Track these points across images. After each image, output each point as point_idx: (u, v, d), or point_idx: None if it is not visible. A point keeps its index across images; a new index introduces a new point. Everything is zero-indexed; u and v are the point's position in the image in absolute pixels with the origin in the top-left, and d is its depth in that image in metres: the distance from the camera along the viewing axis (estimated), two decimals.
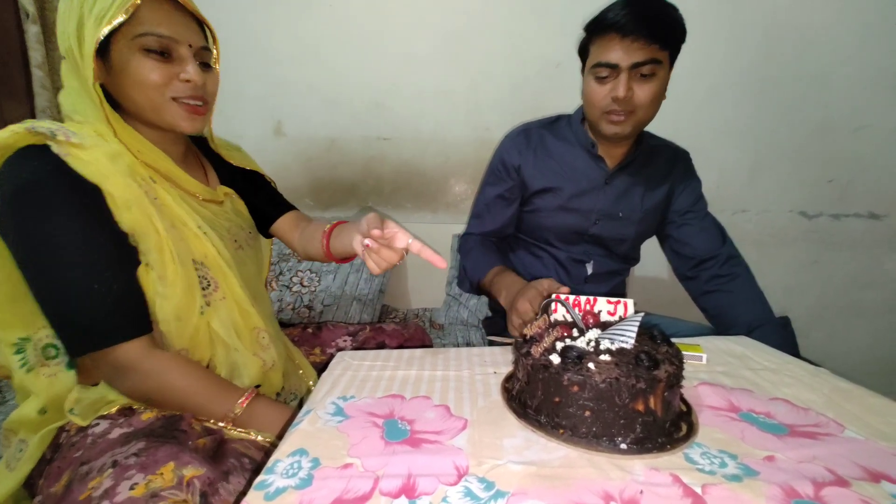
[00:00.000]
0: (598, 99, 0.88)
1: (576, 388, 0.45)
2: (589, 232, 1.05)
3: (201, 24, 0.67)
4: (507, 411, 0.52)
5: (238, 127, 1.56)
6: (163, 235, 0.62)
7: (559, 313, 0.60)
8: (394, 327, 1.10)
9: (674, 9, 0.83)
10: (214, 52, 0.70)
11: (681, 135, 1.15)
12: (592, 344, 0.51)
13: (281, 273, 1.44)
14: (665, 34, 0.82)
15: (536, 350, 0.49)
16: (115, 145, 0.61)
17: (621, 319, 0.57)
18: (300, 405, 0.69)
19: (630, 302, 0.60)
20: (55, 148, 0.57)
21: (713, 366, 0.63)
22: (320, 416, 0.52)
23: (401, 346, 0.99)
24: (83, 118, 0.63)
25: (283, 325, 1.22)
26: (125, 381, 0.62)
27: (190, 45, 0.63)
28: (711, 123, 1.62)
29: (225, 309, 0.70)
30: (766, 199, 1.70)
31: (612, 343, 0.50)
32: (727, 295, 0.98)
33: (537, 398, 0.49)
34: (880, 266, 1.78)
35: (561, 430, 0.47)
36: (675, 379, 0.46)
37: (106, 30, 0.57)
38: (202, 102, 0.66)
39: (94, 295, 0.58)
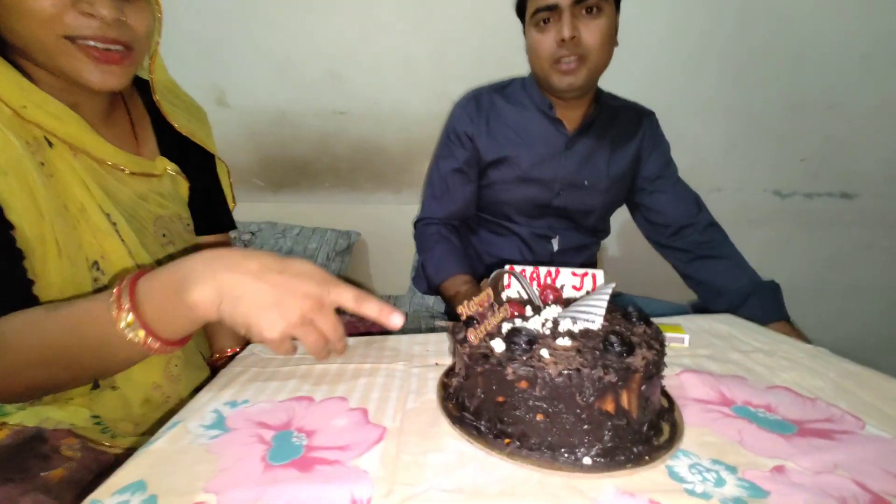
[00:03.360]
0: (544, 48, 0.76)
1: (524, 384, 0.33)
2: (552, 204, 0.93)
3: None
4: (441, 415, 0.39)
5: None
6: (46, 220, 0.44)
7: (513, 289, 0.47)
8: (348, 317, 0.96)
9: None
10: None
11: (655, 112, 1.04)
12: (549, 325, 0.38)
13: None
14: None
15: (475, 335, 0.36)
16: None
17: (587, 294, 0.45)
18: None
19: (600, 273, 0.47)
20: None
21: (696, 349, 0.52)
22: (190, 429, 0.38)
23: None
24: None
25: None
26: None
27: None
28: (686, 101, 1.53)
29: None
30: (741, 178, 1.63)
31: (575, 323, 0.38)
32: (714, 261, 0.88)
33: (476, 398, 0.36)
34: (851, 247, 1.74)
35: (506, 441, 0.34)
36: (656, 367, 0.34)
37: None
38: (121, 47, 0.46)
39: None
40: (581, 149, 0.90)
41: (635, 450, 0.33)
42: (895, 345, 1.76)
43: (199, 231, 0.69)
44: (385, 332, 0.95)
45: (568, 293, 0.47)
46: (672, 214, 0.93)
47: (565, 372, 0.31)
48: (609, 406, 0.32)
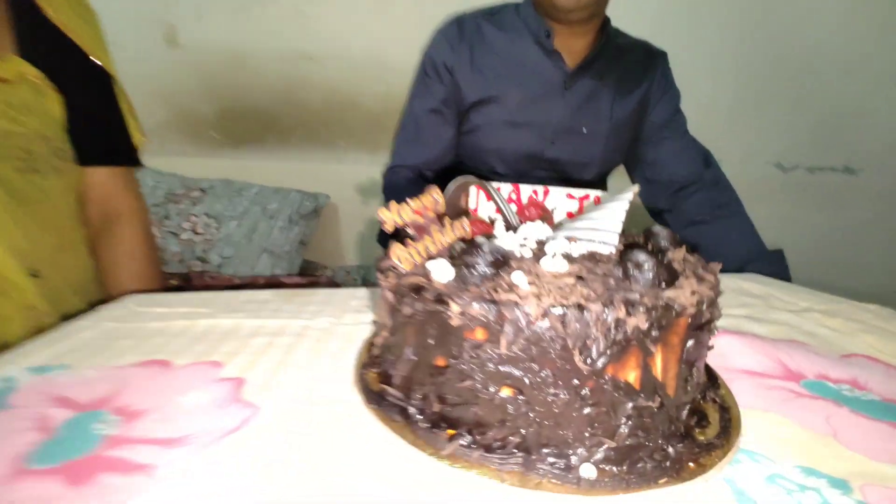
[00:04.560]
0: None
1: (479, 334, 0.18)
2: (544, 155, 0.77)
3: None
4: (354, 389, 0.24)
5: (113, 29, 1.17)
6: None
7: (482, 213, 0.32)
8: (298, 280, 0.81)
9: None
10: None
11: None
12: (528, 243, 0.23)
13: (167, 216, 1.10)
14: None
15: (406, 256, 0.21)
16: None
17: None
18: None
19: (605, 196, 0.32)
20: None
21: (728, 308, 0.38)
22: None
23: None
24: None
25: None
26: None
27: None
28: (691, 58, 1.38)
29: None
30: (743, 149, 1.50)
31: (572, 243, 0.23)
32: (715, 226, 0.75)
33: (404, 361, 0.21)
34: (851, 224, 1.64)
35: (448, 432, 0.19)
36: (711, 311, 0.19)
37: None
38: None
39: None
40: (581, 89, 0.74)
41: (670, 451, 0.18)
42: None
43: (85, 160, 0.52)
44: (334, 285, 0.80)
45: (560, 220, 0.32)
46: (676, 169, 0.79)
47: (556, 311, 0.17)
48: (631, 374, 0.17)
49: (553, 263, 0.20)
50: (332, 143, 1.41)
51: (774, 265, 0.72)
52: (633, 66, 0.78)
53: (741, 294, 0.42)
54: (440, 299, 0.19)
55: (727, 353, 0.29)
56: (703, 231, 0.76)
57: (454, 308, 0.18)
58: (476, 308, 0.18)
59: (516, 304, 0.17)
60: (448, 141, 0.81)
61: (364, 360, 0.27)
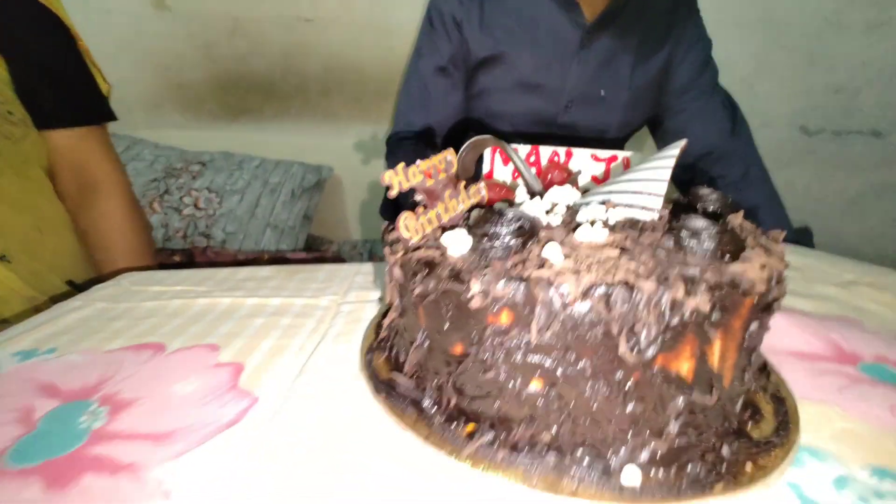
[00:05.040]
0: None
1: (504, 318, 0.15)
2: (558, 122, 0.72)
3: None
4: (361, 376, 0.22)
5: None
6: None
7: (495, 173, 0.28)
8: (303, 256, 0.79)
9: None
10: None
11: None
12: (559, 211, 0.20)
13: (167, 191, 1.08)
14: None
15: (416, 226, 0.18)
16: None
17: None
18: None
19: (636, 157, 0.29)
20: None
21: None
22: None
23: None
24: None
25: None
26: None
27: None
28: (714, 11, 1.29)
29: None
30: (767, 110, 1.42)
31: (608, 211, 0.19)
32: (737, 201, 0.70)
33: (418, 347, 0.18)
34: (874, 190, 1.57)
35: (467, 428, 0.17)
36: (779, 289, 0.16)
37: None
38: None
39: None
40: (601, 48, 0.68)
41: (724, 451, 0.16)
42: None
43: (46, 123, 0.46)
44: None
45: (585, 184, 0.28)
46: (699, 136, 0.73)
47: (599, 290, 0.14)
48: (684, 365, 0.15)
49: (590, 233, 0.17)
50: (333, 113, 1.36)
51: (800, 242, 0.68)
52: (658, 20, 0.71)
53: None
54: (457, 277, 0.16)
55: (773, 333, 0.26)
56: None
57: (474, 287, 0.15)
58: (500, 287, 0.15)
59: (549, 281, 0.14)
60: (456, 105, 0.76)
61: (371, 342, 0.24)
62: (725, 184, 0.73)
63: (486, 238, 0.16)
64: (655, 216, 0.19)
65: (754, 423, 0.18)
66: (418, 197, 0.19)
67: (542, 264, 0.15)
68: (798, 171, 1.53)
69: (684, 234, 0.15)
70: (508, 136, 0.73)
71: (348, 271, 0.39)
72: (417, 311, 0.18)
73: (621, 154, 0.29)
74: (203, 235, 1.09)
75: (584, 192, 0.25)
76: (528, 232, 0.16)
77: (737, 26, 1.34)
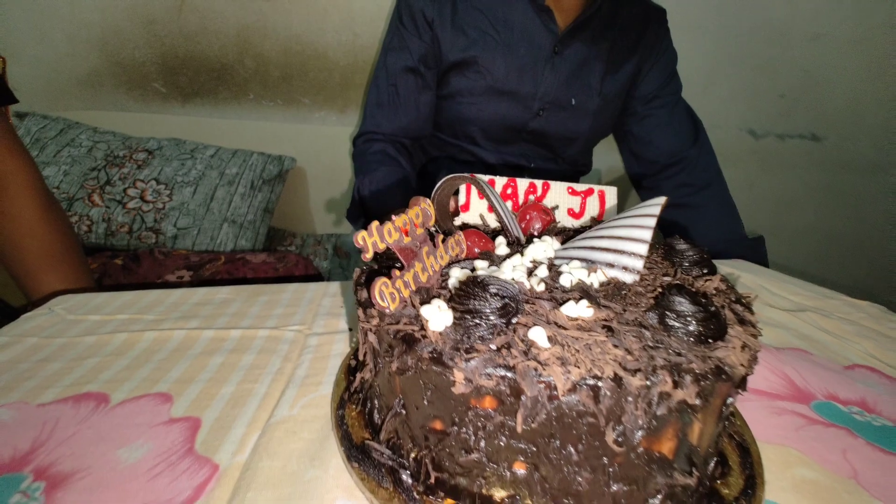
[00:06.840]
0: None
1: (488, 403, 0.14)
2: (528, 127, 0.72)
3: None
4: (331, 436, 0.20)
5: None
6: None
7: (472, 212, 0.27)
8: (263, 258, 0.74)
9: None
10: None
11: None
12: (540, 274, 0.19)
13: (108, 182, 0.98)
14: None
15: (391, 293, 0.17)
16: None
17: (596, 223, 0.26)
18: None
19: (611, 190, 0.28)
20: None
21: None
22: None
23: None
24: None
25: (90, 250, 0.78)
26: None
27: None
28: (672, 19, 1.32)
29: None
30: (718, 114, 1.50)
31: (589, 272, 0.19)
32: (694, 209, 0.74)
33: (393, 414, 0.17)
34: (815, 191, 1.70)
35: (446, 503, 0.16)
36: (753, 363, 0.16)
37: None
38: None
39: None
40: (573, 55, 0.68)
41: None
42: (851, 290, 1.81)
43: None
44: (310, 277, 0.75)
45: (563, 221, 0.28)
46: (662, 144, 0.76)
47: (587, 384, 0.13)
48: (667, 446, 0.15)
49: (574, 307, 0.16)
50: (295, 100, 1.29)
51: (753, 251, 0.72)
52: (629, 29, 0.72)
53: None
54: (439, 360, 0.15)
55: None
56: (680, 214, 0.75)
57: (458, 375, 0.14)
58: (485, 376, 0.14)
59: (536, 370, 0.14)
60: (427, 106, 0.74)
61: (342, 391, 0.23)
62: (690, 192, 0.76)
63: (468, 315, 0.15)
64: (637, 277, 0.19)
65: (723, 479, 0.18)
66: (395, 254, 0.18)
67: (528, 349, 0.14)
68: (740, 171, 1.64)
69: (669, 310, 0.15)
70: (477, 143, 0.71)
71: (315, 293, 0.37)
72: (393, 380, 0.17)
73: (597, 188, 0.29)
74: (151, 231, 1.02)
75: (565, 239, 0.24)
76: (513, 308, 0.15)
77: (694, 35, 1.39)
